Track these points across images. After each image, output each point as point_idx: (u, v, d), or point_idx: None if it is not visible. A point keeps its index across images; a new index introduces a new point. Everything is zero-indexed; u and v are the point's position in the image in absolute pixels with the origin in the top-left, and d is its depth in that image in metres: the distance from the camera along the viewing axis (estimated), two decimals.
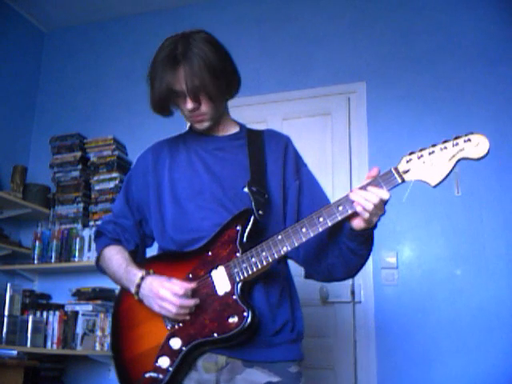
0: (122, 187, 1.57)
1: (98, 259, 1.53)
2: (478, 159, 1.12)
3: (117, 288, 3.46)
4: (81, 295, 3.22)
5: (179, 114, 1.48)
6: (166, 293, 1.26)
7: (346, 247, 1.31)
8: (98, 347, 3.04)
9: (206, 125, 1.44)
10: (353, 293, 2.90)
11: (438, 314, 2.73)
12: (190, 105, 1.37)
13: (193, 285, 1.29)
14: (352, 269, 1.37)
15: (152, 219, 1.48)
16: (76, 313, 3.14)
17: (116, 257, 1.45)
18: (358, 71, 3.21)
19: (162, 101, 1.39)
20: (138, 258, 1.50)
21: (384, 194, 1.18)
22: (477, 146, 1.12)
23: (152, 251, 1.56)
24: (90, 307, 3.14)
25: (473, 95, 2.94)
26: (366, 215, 1.19)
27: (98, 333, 3.06)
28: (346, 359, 2.85)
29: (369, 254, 1.34)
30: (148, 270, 1.36)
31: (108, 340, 3.04)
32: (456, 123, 2.93)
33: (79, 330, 3.10)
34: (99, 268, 1.54)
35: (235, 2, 3.62)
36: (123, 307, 1.44)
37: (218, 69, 1.35)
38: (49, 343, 3.12)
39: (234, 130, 1.53)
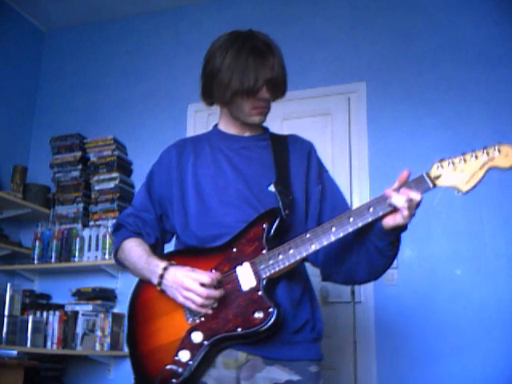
0: (144, 181, 1.57)
1: (116, 251, 1.52)
2: (508, 169, 1.18)
3: (117, 288, 3.48)
4: (81, 295, 3.22)
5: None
6: (191, 283, 1.25)
7: (373, 246, 1.31)
8: (97, 347, 3.04)
9: (263, 118, 1.48)
10: (353, 293, 2.90)
11: (438, 314, 2.73)
12: (266, 94, 1.41)
13: (218, 275, 1.29)
14: (375, 270, 1.37)
15: (175, 214, 1.48)
16: (76, 313, 3.14)
17: (136, 248, 1.44)
18: (358, 71, 3.21)
19: (250, 90, 1.37)
20: (157, 252, 1.50)
21: (415, 195, 1.19)
22: (506, 156, 1.17)
23: (169, 247, 1.55)
24: (90, 307, 3.14)
25: (473, 95, 2.94)
26: (403, 207, 1.19)
27: (98, 333, 3.07)
28: (346, 359, 2.85)
29: (394, 258, 1.34)
30: (170, 261, 1.36)
31: (108, 340, 3.05)
32: (456, 123, 2.93)
33: (79, 329, 3.10)
34: (117, 260, 1.53)
35: (235, 3, 3.62)
36: (140, 300, 1.43)
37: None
38: (49, 343, 3.12)
39: (259, 131, 1.56)
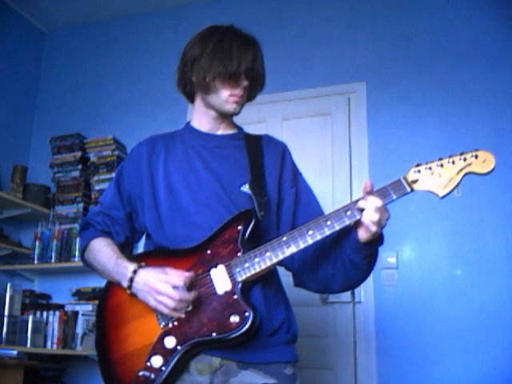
0: (113, 179, 1.52)
1: (83, 251, 1.45)
2: (485, 174, 1.19)
3: None
4: (81, 295, 3.22)
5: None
6: (163, 286, 1.21)
7: (348, 259, 1.30)
8: None
9: (239, 109, 1.47)
10: (353, 293, 2.90)
11: (437, 314, 2.73)
12: (246, 82, 1.41)
13: (192, 273, 1.24)
14: (350, 283, 1.36)
15: (146, 211, 1.43)
16: (76, 313, 3.14)
17: (105, 248, 1.39)
18: (357, 71, 3.21)
19: (232, 74, 1.38)
20: (127, 252, 1.45)
21: (376, 201, 1.21)
22: (484, 162, 1.19)
23: (138, 247, 1.53)
24: (89, 307, 3.14)
25: (473, 95, 2.94)
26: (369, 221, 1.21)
27: None
28: (346, 359, 2.85)
29: (369, 272, 1.33)
30: (140, 262, 1.31)
31: None
32: (455, 123, 2.93)
33: (79, 330, 3.10)
34: (85, 260, 1.47)
35: (235, 3, 3.62)
36: (110, 304, 1.37)
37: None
38: (49, 343, 3.13)
39: (233, 131, 1.54)
